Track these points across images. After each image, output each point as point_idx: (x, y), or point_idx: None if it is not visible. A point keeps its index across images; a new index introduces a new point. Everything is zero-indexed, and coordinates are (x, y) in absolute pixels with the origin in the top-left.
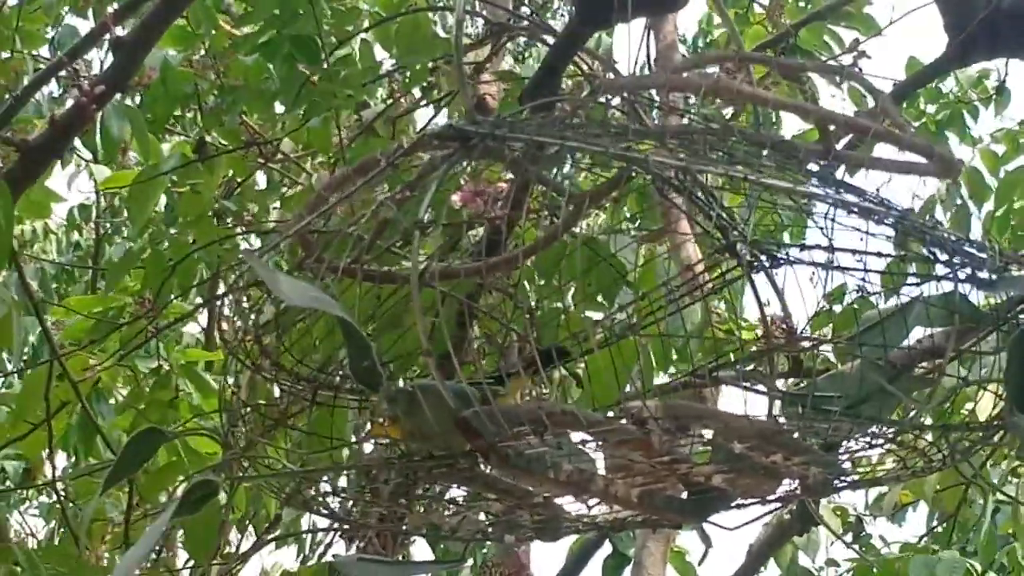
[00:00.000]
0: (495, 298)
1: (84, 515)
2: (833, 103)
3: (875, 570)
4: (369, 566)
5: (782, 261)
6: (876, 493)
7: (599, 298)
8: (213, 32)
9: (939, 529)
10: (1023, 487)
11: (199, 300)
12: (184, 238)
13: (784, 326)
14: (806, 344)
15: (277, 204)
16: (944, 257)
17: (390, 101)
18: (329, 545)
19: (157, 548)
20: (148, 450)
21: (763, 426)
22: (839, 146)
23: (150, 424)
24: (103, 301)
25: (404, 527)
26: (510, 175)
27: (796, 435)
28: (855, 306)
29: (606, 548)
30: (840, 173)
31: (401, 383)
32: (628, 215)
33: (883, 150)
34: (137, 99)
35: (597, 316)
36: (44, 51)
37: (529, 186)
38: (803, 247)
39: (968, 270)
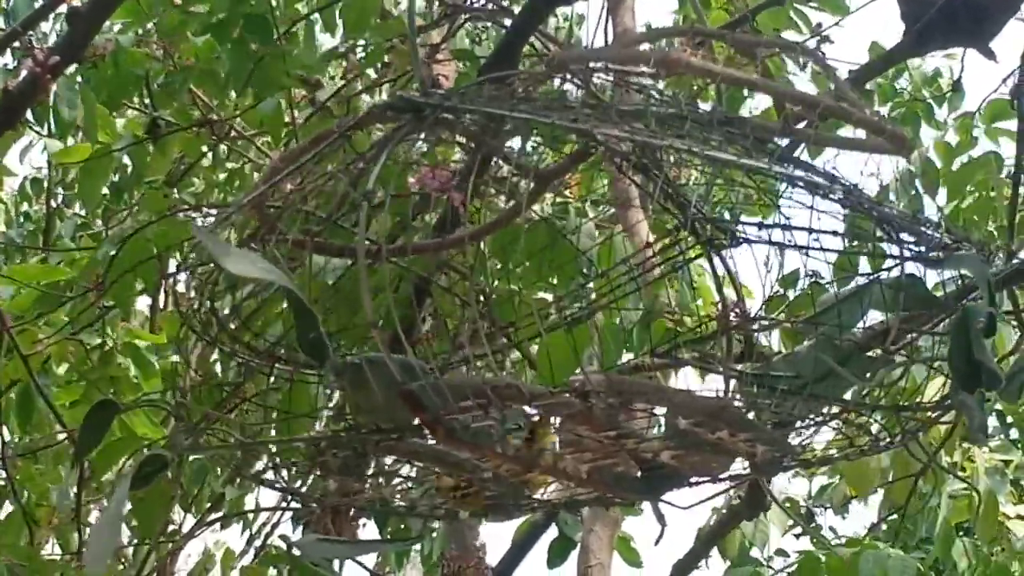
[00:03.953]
0: (450, 278)
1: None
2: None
3: (823, 562)
4: (327, 545)
5: (741, 239)
6: (819, 484)
7: (552, 280)
8: (162, 11)
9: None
10: (978, 478)
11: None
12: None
13: (737, 309)
14: (763, 324)
15: (223, 176)
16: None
17: (343, 82)
18: (276, 525)
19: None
20: (105, 421)
21: (707, 403)
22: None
23: (101, 397)
24: (49, 272)
25: (355, 502)
26: (460, 154)
27: (744, 412)
28: (808, 291)
29: (552, 532)
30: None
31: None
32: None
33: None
34: (90, 74)
35: (549, 297)
36: None
37: (487, 162)
38: (761, 225)
39: (916, 248)
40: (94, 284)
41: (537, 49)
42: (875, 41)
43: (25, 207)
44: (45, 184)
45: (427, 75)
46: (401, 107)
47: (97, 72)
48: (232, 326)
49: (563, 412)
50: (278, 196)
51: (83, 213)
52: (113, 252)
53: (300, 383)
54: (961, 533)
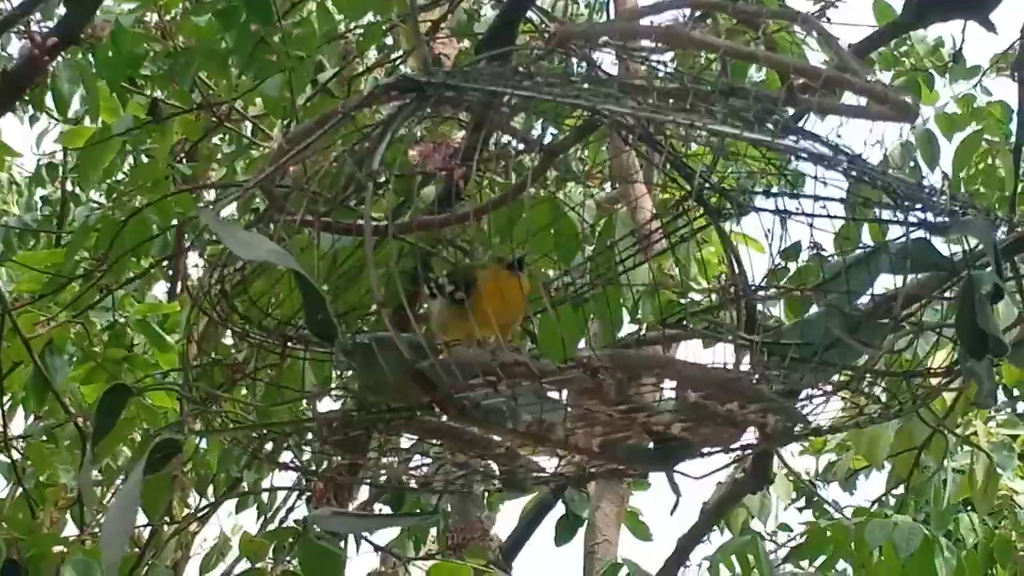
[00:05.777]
0: (450, 254)
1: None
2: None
3: (828, 533)
4: (343, 519)
5: (749, 209)
6: (827, 462)
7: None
8: None
9: (891, 499)
10: (977, 453)
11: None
12: (137, 201)
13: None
14: (770, 292)
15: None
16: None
17: (344, 63)
18: (291, 509)
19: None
20: (119, 406)
21: (716, 374)
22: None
23: (106, 378)
24: (57, 256)
25: (366, 480)
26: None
27: (754, 382)
28: (811, 263)
29: (559, 510)
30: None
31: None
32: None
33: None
34: (91, 55)
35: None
36: None
37: (488, 137)
38: (767, 194)
39: (921, 214)
40: (98, 262)
41: (535, 23)
42: (883, 2)
43: (40, 192)
44: (60, 169)
45: (429, 52)
46: (403, 87)
47: (97, 53)
48: (239, 305)
49: (573, 387)
50: (284, 177)
51: (97, 198)
52: (123, 218)
53: (308, 361)
54: (970, 508)
